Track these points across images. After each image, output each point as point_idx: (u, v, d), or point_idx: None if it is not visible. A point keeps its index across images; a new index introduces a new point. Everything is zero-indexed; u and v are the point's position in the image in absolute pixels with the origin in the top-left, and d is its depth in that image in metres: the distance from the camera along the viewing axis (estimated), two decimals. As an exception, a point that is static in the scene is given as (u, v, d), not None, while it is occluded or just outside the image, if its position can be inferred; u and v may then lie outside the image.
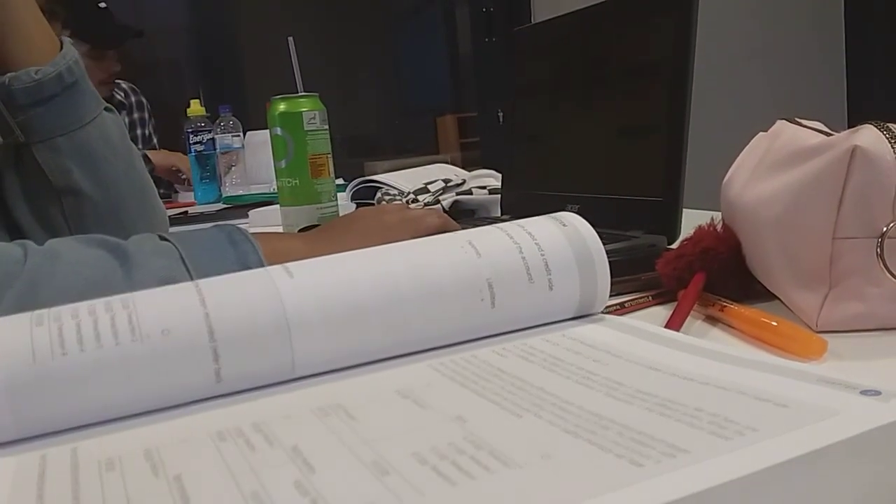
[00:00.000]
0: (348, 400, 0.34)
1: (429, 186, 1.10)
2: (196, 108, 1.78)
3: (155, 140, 2.29)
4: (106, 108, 0.72)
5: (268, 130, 0.92)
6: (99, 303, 0.36)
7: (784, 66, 2.99)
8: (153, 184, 0.78)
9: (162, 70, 3.31)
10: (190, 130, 1.74)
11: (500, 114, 2.91)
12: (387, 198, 1.15)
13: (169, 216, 0.84)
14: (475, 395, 0.33)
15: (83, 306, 0.36)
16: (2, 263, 0.47)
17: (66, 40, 0.70)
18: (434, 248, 0.41)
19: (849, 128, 0.42)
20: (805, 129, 0.48)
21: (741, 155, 0.54)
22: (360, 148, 3.57)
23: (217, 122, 1.74)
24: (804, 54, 3.04)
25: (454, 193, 1.08)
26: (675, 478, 0.24)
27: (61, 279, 0.47)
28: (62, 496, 0.27)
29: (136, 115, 2.20)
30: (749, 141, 0.55)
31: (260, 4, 3.40)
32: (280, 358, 0.36)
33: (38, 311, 0.36)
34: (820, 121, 0.50)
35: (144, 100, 2.24)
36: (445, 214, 0.76)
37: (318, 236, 0.69)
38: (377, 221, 0.70)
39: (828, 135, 0.45)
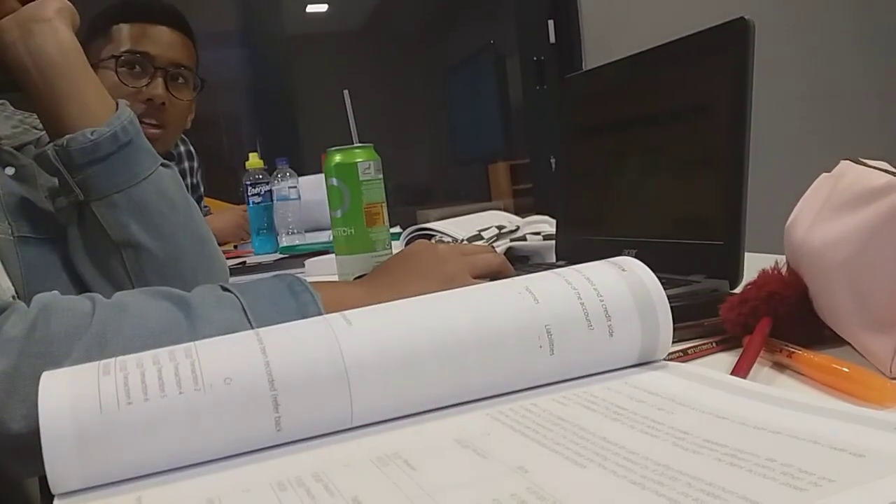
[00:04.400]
0: (407, 449, 0.34)
1: (482, 233, 1.10)
2: (254, 160, 1.82)
3: (202, 188, 2.32)
4: (163, 164, 0.74)
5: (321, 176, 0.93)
6: (163, 352, 0.37)
7: (846, 106, 2.94)
8: (212, 234, 0.79)
9: (221, 124, 3.42)
10: (248, 183, 1.78)
11: (553, 160, 2.92)
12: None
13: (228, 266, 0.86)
14: (536, 445, 0.32)
15: (148, 356, 0.37)
16: (72, 317, 0.48)
17: (122, 102, 0.73)
18: (491, 295, 0.41)
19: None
20: (870, 168, 0.47)
21: (804, 196, 0.53)
22: (414, 196, 3.61)
23: (274, 173, 1.77)
24: (865, 93, 2.98)
25: (508, 240, 1.08)
26: (750, 532, 0.23)
27: (128, 331, 0.48)
28: (127, 546, 0.27)
29: (185, 164, 2.24)
30: (811, 182, 0.54)
31: (315, 59, 3.50)
32: (339, 406, 0.36)
33: (104, 361, 0.36)
34: (884, 160, 0.49)
35: (193, 148, 2.29)
36: (502, 255, 0.76)
37: (376, 281, 0.70)
38: (433, 259, 0.70)
39: (894, 174, 0.44)
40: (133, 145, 0.70)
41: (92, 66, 0.73)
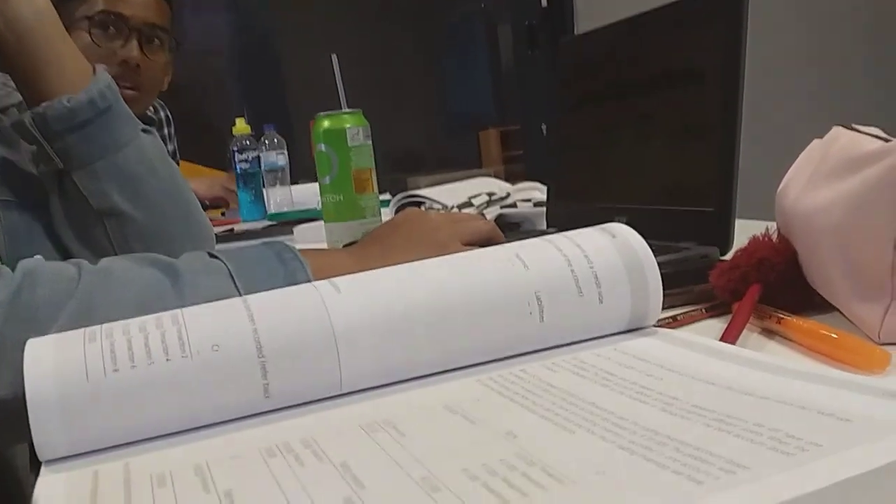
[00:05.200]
0: (397, 416, 0.34)
1: (473, 200, 1.10)
2: (241, 126, 1.80)
3: (178, 156, 2.30)
4: (144, 130, 0.73)
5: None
6: (149, 319, 0.36)
7: (838, 72, 2.93)
8: (198, 201, 0.78)
9: (207, 90, 3.38)
10: (235, 149, 1.76)
11: (544, 126, 2.90)
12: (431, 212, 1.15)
13: (216, 234, 0.85)
14: (525, 411, 0.32)
15: (134, 323, 0.36)
16: (57, 282, 0.48)
17: (100, 67, 0.71)
18: (481, 262, 0.41)
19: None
20: (862, 135, 0.47)
21: (796, 162, 0.53)
22: (404, 163, 3.59)
23: (262, 140, 1.76)
24: (858, 59, 2.97)
25: (499, 207, 1.08)
26: (736, 495, 0.23)
27: (115, 297, 0.48)
28: (115, 512, 0.27)
29: (165, 131, 2.20)
30: (803, 148, 0.54)
31: (303, 23, 3.45)
32: (328, 373, 0.36)
33: (90, 328, 0.36)
34: (877, 126, 0.49)
35: (169, 114, 2.26)
36: (492, 222, 0.75)
37: (366, 249, 0.69)
38: (424, 226, 0.69)
39: (886, 140, 0.44)
40: (112, 112, 0.69)
41: (65, 27, 0.71)
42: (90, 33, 1.30)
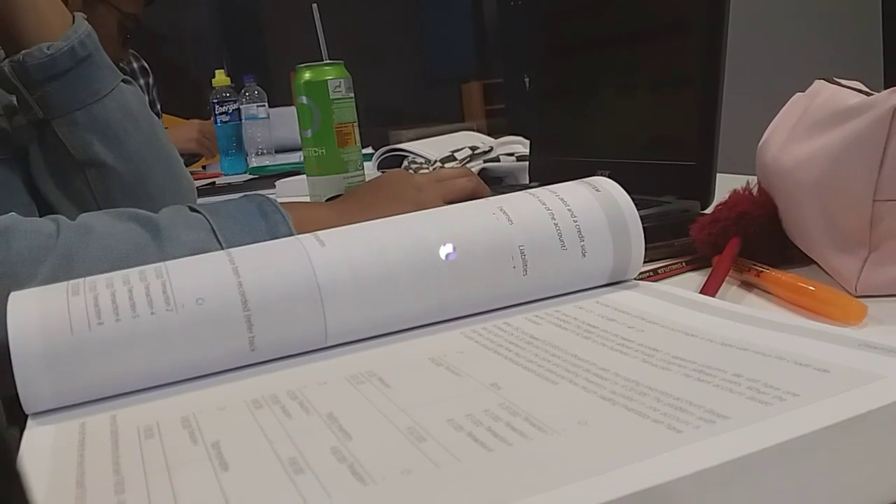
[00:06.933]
0: (382, 368, 0.34)
1: (455, 154, 1.10)
2: (221, 78, 1.77)
3: (158, 106, 2.26)
4: (124, 80, 0.72)
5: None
6: (133, 272, 0.36)
7: (821, 25, 2.92)
8: (178, 154, 0.78)
9: (186, 41, 3.32)
10: (215, 101, 1.74)
11: (527, 79, 2.88)
12: (413, 166, 1.14)
13: (196, 187, 0.84)
14: (509, 363, 0.33)
15: (118, 276, 0.36)
16: (35, 238, 0.47)
17: (79, 15, 0.70)
18: (465, 216, 0.41)
19: (885, 87, 0.41)
20: (844, 88, 0.47)
21: (778, 116, 0.53)
22: (386, 116, 3.56)
23: (242, 92, 1.73)
24: (842, 12, 2.96)
25: (481, 161, 1.07)
26: (715, 443, 0.23)
27: (94, 253, 0.48)
28: (103, 463, 0.28)
29: (141, 82, 2.16)
30: (785, 102, 0.54)
31: (282, -28, 3.38)
32: (313, 326, 0.36)
33: (73, 281, 0.36)
34: (858, 80, 0.49)
35: (146, 64, 2.22)
36: (478, 177, 0.75)
37: (348, 204, 0.69)
38: (406, 185, 0.69)
39: (868, 94, 0.44)
40: (92, 60, 0.68)
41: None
42: (126, 37, 1.29)
